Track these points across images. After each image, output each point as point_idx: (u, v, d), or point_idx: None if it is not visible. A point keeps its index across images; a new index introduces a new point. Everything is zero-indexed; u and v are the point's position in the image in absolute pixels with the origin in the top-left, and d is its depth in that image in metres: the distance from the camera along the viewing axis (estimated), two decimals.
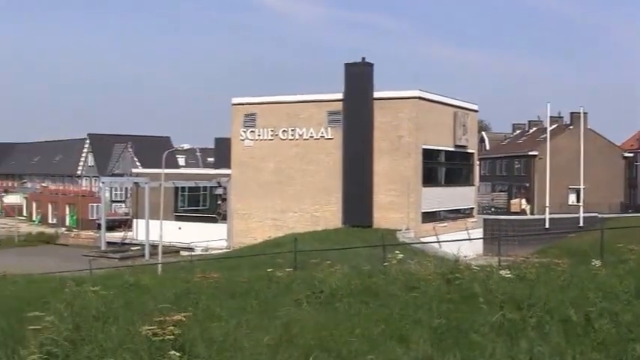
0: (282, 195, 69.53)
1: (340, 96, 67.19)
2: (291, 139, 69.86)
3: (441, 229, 64.62)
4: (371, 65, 66.95)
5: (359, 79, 65.81)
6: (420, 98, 65.66)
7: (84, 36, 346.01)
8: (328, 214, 66.86)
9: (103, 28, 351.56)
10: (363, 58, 66.88)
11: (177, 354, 7.45)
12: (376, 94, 65.78)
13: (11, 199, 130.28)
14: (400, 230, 60.96)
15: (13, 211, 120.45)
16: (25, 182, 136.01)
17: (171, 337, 7.78)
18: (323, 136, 68.40)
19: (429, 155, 67.60)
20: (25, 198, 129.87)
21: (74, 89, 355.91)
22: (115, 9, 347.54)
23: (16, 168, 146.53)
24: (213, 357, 7.83)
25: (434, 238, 57.48)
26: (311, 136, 68.88)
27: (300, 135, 69.35)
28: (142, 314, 9.83)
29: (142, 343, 8.00)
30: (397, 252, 17.82)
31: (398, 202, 64.55)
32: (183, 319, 8.25)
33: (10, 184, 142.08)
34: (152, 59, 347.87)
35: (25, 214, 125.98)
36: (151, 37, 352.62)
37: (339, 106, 67.35)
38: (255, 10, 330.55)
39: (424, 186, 66.57)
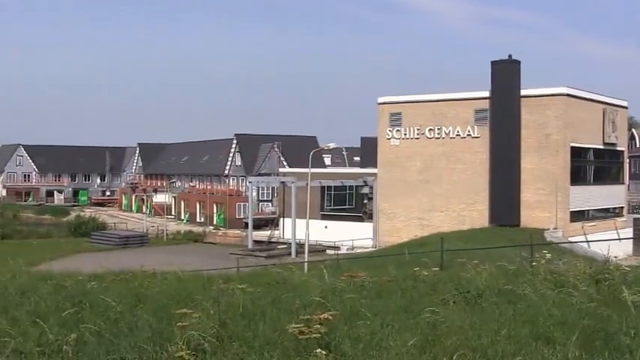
0: (429, 194, 69.26)
1: (487, 94, 66.52)
2: (437, 138, 69.55)
3: (589, 229, 63.21)
4: (518, 62, 66.06)
5: (506, 76, 65.00)
6: (568, 95, 64.47)
7: (232, 38, 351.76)
8: (475, 214, 66.31)
9: (250, 30, 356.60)
10: (510, 56, 66.05)
11: (324, 352, 7.49)
12: (523, 92, 64.86)
13: (160, 198, 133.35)
14: (548, 230, 59.98)
15: (161, 210, 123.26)
16: (174, 182, 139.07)
17: (318, 335, 7.83)
18: (469, 135, 67.86)
19: (577, 153, 66.31)
20: (174, 197, 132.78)
21: (221, 90, 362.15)
22: (261, 12, 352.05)
23: (165, 168, 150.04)
24: (359, 356, 7.84)
25: (582, 238, 56.30)
26: (457, 135, 68.42)
27: (446, 133, 68.96)
28: (288, 312, 9.92)
29: (289, 341, 8.07)
30: (545, 252, 17.53)
31: (545, 200, 63.51)
32: (330, 317, 8.29)
33: (159, 183, 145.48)
34: (299, 59, 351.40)
35: (173, 213, 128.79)
36: (298, 38, 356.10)
37: (486, 104, 66.69)
38: (400, 8, 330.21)
39: (572, 184, 65.34)
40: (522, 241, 33.83)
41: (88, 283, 13.42)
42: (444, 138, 69.14)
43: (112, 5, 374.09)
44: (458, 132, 68.34)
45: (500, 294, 12.41)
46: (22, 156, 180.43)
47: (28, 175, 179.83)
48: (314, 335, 7.80)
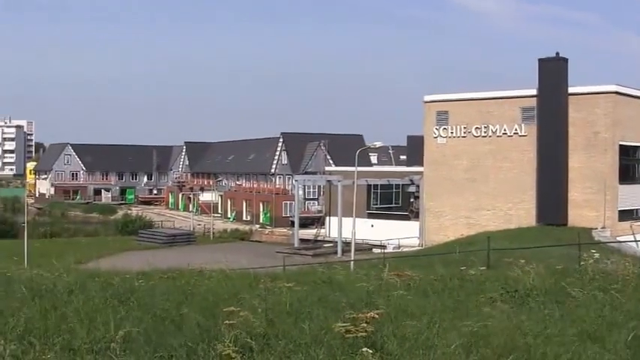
0: (476, 193, 68.88)
1: (534, 92, 65.98)
2: (484, 136, 69.13)
3: (638, 228, 62.48)
4: (565, 60, 65.49)
5: (553, 74, 64.46)
6: (616, 93, 63.74)
7: (280, 38, 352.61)
8: (522, 212, 65.82)
9: (298, 29, 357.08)
10: (557, 53, 65.53)
11: (370, 351, 7.48)
12: (571, 90, 64.24)
13: (207, 196, 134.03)
14: (596, 229, 59.39)
15: (208, 208, 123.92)
16: (221, 180, 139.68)
17: (364, 334, 7.83)
18: (516, 133, 67.36)
19: (625, 151, 65.54)
20: (220, 196, 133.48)
21: (268, 89, 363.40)
22: (309, 11, 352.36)
23: (212, 167, 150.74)
24: (405, 355, 7.82)
25: (631, 237, 55.71)
26: (504, 133, 67.96)
27: (493, 132, 68.53)
28: (335, 311, 9.92)
29: (335, 339, 8.07)
30: (593, 251, 17.41)
31: (593, 199, 62.90)
32: (376, 316, 8.28)
33: (205, 182, 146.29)
34: (347, 58, 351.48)
35: (220, 211, 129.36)
36: (345, 37, 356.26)
37: (533, 102, 66.15)
38: (448, 8, 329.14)
39: (621, 183, 64.60)
40: (570, 240, 33.66)
41: (136, 280, 13.52)
42: (490, 136, 68.71)
43: (160, 6, 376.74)
44: (505, 130, 67.90)
45: (547, 293, 12.35)
46: (70, 155, 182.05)
47: (76, 174, 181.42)
48: (360, 334, 7.81)
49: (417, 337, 8.46)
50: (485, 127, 68.83)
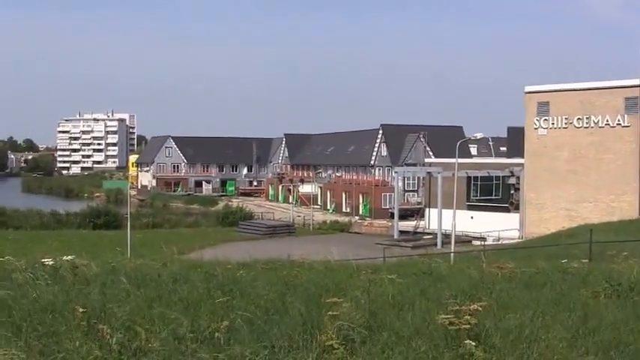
0: (577, 185, 67.98)
1: (637, 82, 64.87)
2: (585, 127, 68.19)
3: None
4: None
5: None
6: None
7: (379, 31, 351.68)
8: (624, 205, 64.78)
9: (398, 20, 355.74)
10: None
11: (473, 343, 7.45)
12: None
13: (306, 188, 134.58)
14: None
15: (308, 200, 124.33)
16: (320, 172, 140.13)
17: (467, 326, 7.79)
18: (619, 124, 66.31)
19: None
20: (320, 187, 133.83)
21: (367, 81, 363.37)
22: (411, 2, 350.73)
23: (311, 158, 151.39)
24: (509, 348, 7.77)
25: None
26: (607, 124, 66.95)
27: (595, 123, 67.55)
28: (437, 303, 9.90)
29: (438, 331, 8.06)
30: None
31: None
32: (479, 308, 8.24)
33: (305, 174, 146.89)
34: (447, 49, 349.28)
35: (319, 203, 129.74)
36: (445, 28, 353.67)
37: (637, 92, 65.05)
38: None
39: None
40: None
41: (238, 271, 13.65)
42: (592, 127, 67.77)
43: (259, 3, 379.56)
44: (607, 121, 66.89)
45: None
46: (171, 147, 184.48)
47: (177, 166, 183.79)
48: (464, 326, 7.77)
49: (520, 330, 8.40)
50: (587, 117, 67.89)
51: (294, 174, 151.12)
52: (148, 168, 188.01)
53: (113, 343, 7.53)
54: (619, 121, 66.26)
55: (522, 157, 74.54)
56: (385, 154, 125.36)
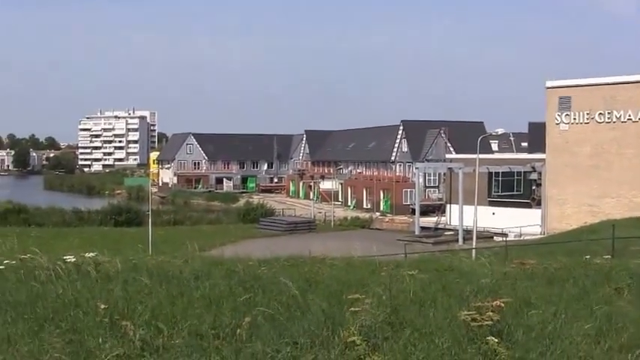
0: (599, 180, 67.71)
1: None
2: (607, 122, 67.91)
3: None
4: None
5: None
6: None
7: (399, 25, 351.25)
8: None
9: (418, 16, 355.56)
10: None
11: (496, 340, 7.43)
12: None
13: (327, 184, 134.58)
14: None
15: (328, 196, 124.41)
16: (341, 168, 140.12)
17: (490, 322, 7.77)
18: None
19: None
20: (341, 184, 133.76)
21: (387, 77, 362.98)
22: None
23: (332, 155, 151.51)
24: (531, 345, 7.74)
25: None
26: (629, 119, 66.66)
27: (617, 118, 67.26)
28: (459, 299, 9.87)
29: (460, 327, 8.03)
30: None
31: None
32: (502, 305, 8.21)
33: (326, 170, 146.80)
34: (466, 44, 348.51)
35: (340, 199, 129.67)
36: (465, 22, 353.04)
37: None
38: None
39: None
40: None
41: (259, 268, 13.65)
42: (614, 122, 67.49)
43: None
44: (629, 116, 66.60)
45: None
46: (192, 144, 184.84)
47: (198, 163, 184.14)
48: (486, 322, 7.75)
49: (542, 327, 8.37)
50: (609, 112, 67.62)
51: (315, 170, 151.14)
52: (168, 165, 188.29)
53: (136, 340, 7.56)
54: None
55: (544, 152, 74.36)
56: (406, 149, 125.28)
